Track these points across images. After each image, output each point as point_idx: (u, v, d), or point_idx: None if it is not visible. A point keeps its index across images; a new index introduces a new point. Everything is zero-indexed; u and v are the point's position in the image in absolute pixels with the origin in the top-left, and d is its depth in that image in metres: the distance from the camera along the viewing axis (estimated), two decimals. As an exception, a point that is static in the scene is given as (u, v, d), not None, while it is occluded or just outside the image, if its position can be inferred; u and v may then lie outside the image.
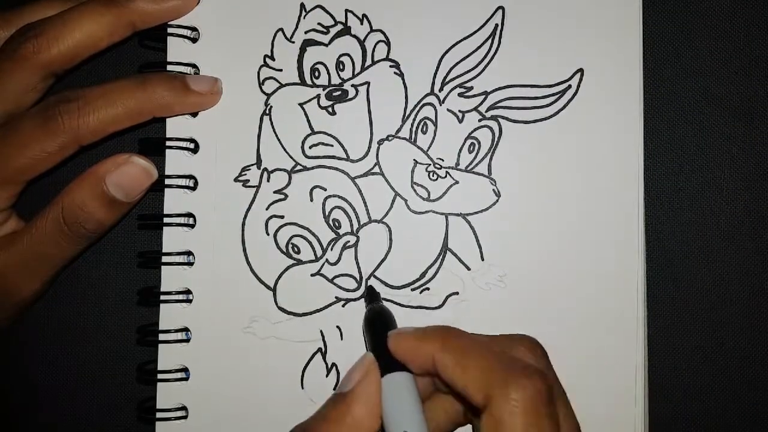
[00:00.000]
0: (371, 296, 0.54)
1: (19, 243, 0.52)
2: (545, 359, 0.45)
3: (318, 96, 0.55)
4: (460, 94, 0.55)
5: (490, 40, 0.55)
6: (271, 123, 0.55)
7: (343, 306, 0.55)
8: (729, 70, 0.57)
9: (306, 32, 0.55)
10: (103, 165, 0.52)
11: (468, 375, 0.41)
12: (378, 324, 0.49)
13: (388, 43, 0.55)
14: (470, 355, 0.42)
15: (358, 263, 0.55)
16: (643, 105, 0.54)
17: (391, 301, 0.54)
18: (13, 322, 0.55)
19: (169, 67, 0.55)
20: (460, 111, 0.55)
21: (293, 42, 0.55)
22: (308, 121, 0.55)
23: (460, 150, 0.55)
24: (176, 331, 0.54)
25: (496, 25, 0.55)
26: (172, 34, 0.55)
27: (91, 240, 0.54)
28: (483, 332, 0.50)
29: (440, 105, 0.55)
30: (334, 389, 0.54)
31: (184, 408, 0.54)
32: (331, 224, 0.55)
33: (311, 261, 0.55)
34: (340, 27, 0.55)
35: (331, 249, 0.55)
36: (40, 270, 0.53)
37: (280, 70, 0.55)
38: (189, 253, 0.55)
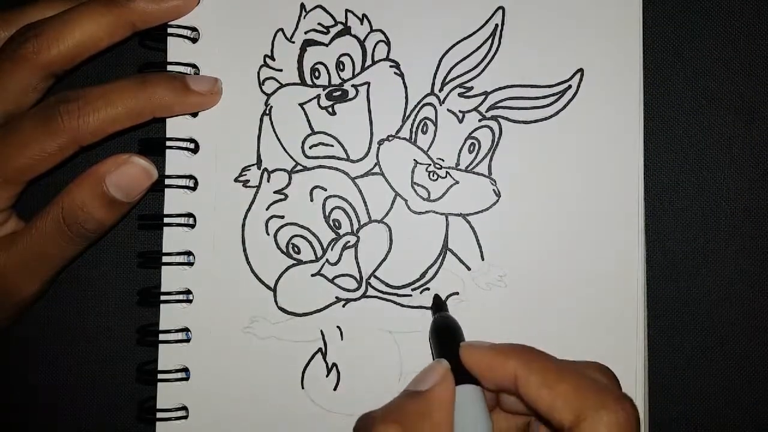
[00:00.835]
0: (437, 305, 0.54)
1: (19, 243, 0.52)
2: (620, 387, 0.46)
3: (318, 96, 0.55)
4: (461, 94, 0.55)
5: (490, 40, 0.55)
6: (272, 123, 0.55)
7: (344, 306, 0.55)
8: (729, 70, 0.57)
9: (306, 32, 0.55)
10: (103, 165, 0.51)
11: (556, 395, 0.42)
12: (447, 334, 0.50)
13: (388, 43, 0.55)
14: (558, 376, 0.43)
15: (358, 263, 0.55)
16: (643, 105, 0.54)
17: (391, 302, 0.54)
18: (13, 323, 0.55)
19: (169, 68, 0.55)
20: (460, 111, 0.55)
21: (293, 42, 0.55)
22: (308, 121, 0.55)
23: (461, 150, 0.55)
24: (176, 331, 0.54)
25: (497, 25, 0.55)
26: (172, 35, 0.55)
27: (91, 240, 0.53)
28: (483, 332, 0.51)
29: (440, 105, 0.55)
30: (334, 389, 0.54)
31: (184, 408, 0.54)
32: (332, 224, 0.55)
33: (311, 261, 0.55)
34: (340, 27, 0.55)
35: (332, 249, 0.55)
36: (40, 270, 0.53)
37: (281, 70, 0.55)
38: (189, 253, 0.55)
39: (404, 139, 0.55)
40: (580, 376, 0.43)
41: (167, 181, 0.55)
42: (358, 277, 0.54)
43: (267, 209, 0.55)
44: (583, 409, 0.41)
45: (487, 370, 0.45)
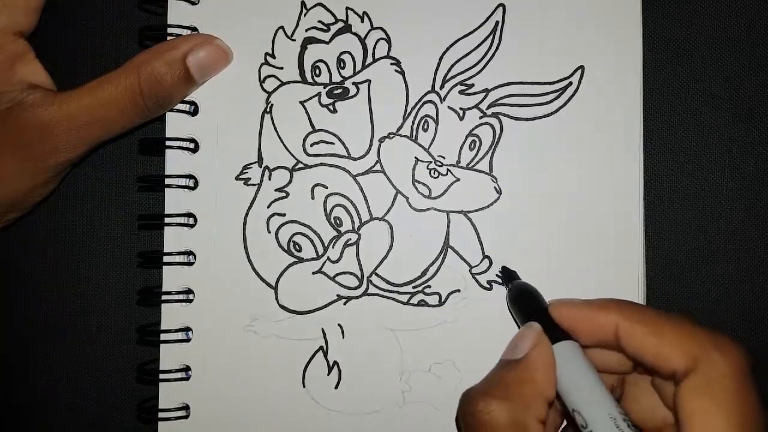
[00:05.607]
0: (508, 275, 0.54)
1: (79, 102, 0.51)
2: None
3: (319, 94, 0.55)
4: (461, 92, 0.55)
5: (490, 38, 0.55)
6: (272, 121, 0.55)
7: (345, 304, 0.55)
8: (729, 70, 0.57)
9: (307, 30, 0.55)
10: (185, 43, 0.52)
11: (665, 342, 0.42)
12: (529, 298, 0.50)
13: (388, 41, 0.55)
14: (664, 322, 0.43)
15: (359, 261, 0.54)
16: (643, 104, 0.55)
17: (393, 299, 0.54)
18: (24, 212, 0.56)
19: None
20: (461, 108, 0.55)
21: (294, 40, 0.55)
22: (309, 119, 0.55)
23: (461, 147, 0.55)
24: (177, 330, 0.54)
25: (497, 22, 0.55)
26: (171, 34, 0.55)
27: (151, 117, 0.54)
28: (484, 329, 0.51)
29: (441, 102, 0.55)
30: (336, 388, 0.54)
31: (185, 407, 0.54)
32: (333, 222, 0.55)
33: (312, 259, 0.55)
34: (340, 25, 0.55)
35: (333, 247, 0.55)
36: (88, 135, 0.52)
37: (281, 68, 0.55)
38: (190, 253, 0.55)
39: (405, 136, 0.55)
40: (684, 322, 0.43)
41: (167, 181, 0.55)
42: (359, 275, 0.54)
43: (268, 207, 0.55)
44: (696, 352, 0.41)
45: (585, 324, 0.45)
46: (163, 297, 0.55)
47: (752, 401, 0.40)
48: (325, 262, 0.55)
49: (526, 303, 0.50)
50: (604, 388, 0.43)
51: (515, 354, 0.45)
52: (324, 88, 0.55)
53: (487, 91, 0.55)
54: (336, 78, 0.55)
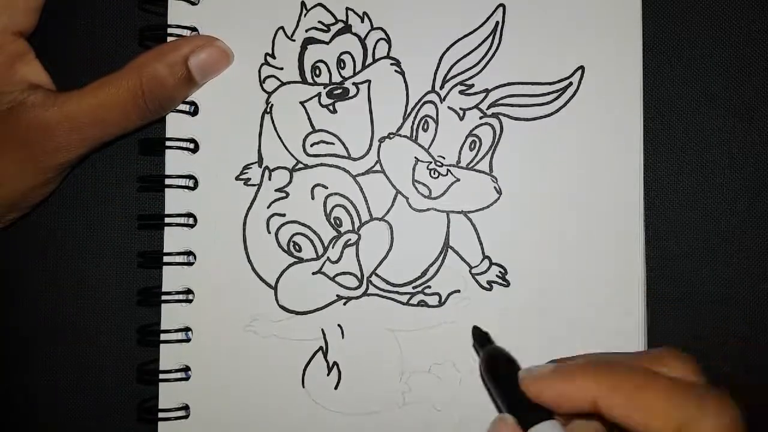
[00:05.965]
0: (481, 338, 0.50)
1: (79, 103, 0.51)
2: (703, 372, 0.43)
3: (319, 94, 0.55)
4: (461, 92, 0.55)
5: (490, 38, 0.55)
6: (272, 121, 0.55)
7: (345, 304, 0.55)
8: (729, 70, 0.57)
9: (307, 30, 0.55)
10: (186, 45, 0.53)
11: (650, 414, 0.39)
12: (501, 368, 0.46)
13: (388, 41, 0.55)
14: (645, 389, 0.40)
15: (359, 261, 0.54)
16: (643, 104, 0.55)
17: (392, 300, 0.54)
18: (25, 212, 0.56)
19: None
20: (461, 108, 0.55)
21: (294, 40, 0.55)
22: (309, 119, 0.55)
23: (461, 147, 0.55)
24: (177, 330, 0.54)
25: (497, 22, 0.55)
26: (171, 34, 0.55)
27: (153, 119, 0.54)
28: (484, 330, 0.50)
29: (441, 103, 0.55)
30: (335, 388, 0.54)
31: (185, 407, 0.54)
32: (333, 222, 0.55)
33: (312, 259, 0.55)
34: (340, 25, 0.55)
35: (333, 247, 0.55)
36: (89, 136, 0.52)
37: (281, 69, 0.55)
38: (190, 253, 0.55)
39: (405, 136, 0.55)
40: (667, 384, 0.40)
41: (167, 181, 0.55)
42: (359, 275, 0.54)
43: (268, 207, 0.55)
44: (684, 421, 0.39)
45: (560, 400, 0.42)
46: (163, 297, 0.55)
47: None
48: (324, 262, 0.55)
49: (499, 374, 0.46)
50: None
51: None
52: (324, 88, 0.55)
53: (487, 91, 0.55)
54: (336, 78, 0.55)
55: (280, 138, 0.55)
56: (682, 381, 0.41)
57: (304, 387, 0.54)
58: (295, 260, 0.55)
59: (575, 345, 0.53)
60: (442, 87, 0.55)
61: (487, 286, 0.54)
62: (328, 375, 0.54)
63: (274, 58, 0.55)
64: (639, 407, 0.40)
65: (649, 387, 0.40)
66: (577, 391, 0.41)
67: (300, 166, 0.55)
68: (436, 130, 0.55)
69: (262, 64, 0.55)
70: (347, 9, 0.55)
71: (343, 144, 0.55)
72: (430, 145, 0.55)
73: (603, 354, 0.45)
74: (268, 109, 0.55)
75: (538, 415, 0.42)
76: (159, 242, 0.55)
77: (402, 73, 0.55)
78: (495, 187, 0.54)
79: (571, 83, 0.54)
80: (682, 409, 0.39)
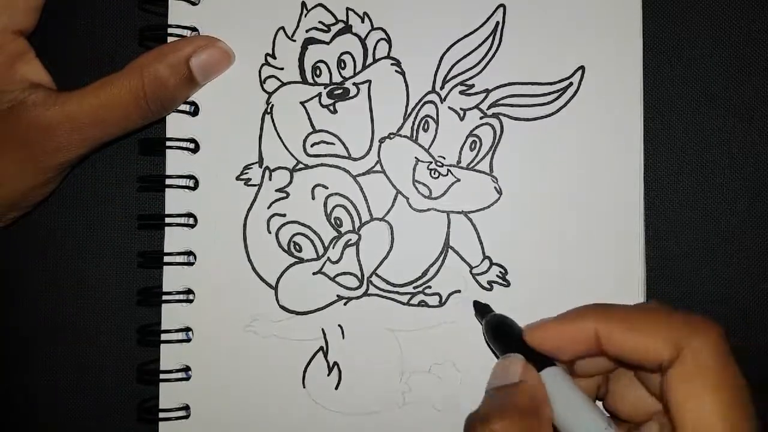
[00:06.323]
0: (481, 309, 0.53)
1: (80, 103, 0.51)
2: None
3: (319, 94, 0.55)
4: (462, 92, 0.55)
5: (491, 38, 0.55)
6: (273, 121, 0.55)
7: (345, 304, 0.55)
8: (729, 70, 0.57)
9: (307, 30, 0.55)
10: (188, 45, 0.53)
11: (646, 335, 0.42)
12: (504, 330, 0.49)
13: (389, 41, 0.55)
14: (640, 317, 0.43)
15: (359, 261, 0.54)
16: (643, 104, 0.55)
17: (393, 300, 0.54)
18: (26, 211, 0.56)
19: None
20: (461, 109, 0.55)
21: (294, 40, 0.55)
22: (310, 119, 0.55)
23: (462, 148, 0.55)
24: (178, 330, 0.54)
25: (497, 22, 0.55)
26: (171, 34, 0.55)
27: (154, 119, 0.54)
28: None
29: (441, 103, 0.55)
30: (336, 388, 0.54)
31: (186, 407, 0.54)
32: (333, 222, 0.55)
33: (313, 259, 0.55)
34: (341, 25, 0.55)
35: (333, 247, 0.55)
36: (90, 136, 0.52)
37: (282, 69, 0.55)
38: (190, 253, 0.55)
39: (405, 137, 0.55)
40: (657, 312, 0.44)
41: (167, 181, 0.55)
42: (359, 276, 0.54)
43: (268, 208, 0.55)
44: (677, 340, 0.41)
45: (561, 343, 0.45)
46: (163, 297, 0.55)
47: (737, 376, 0.41)
48: (325, 262, 0.55)
49: (503, 335, 0.49)
50: (593, 407, 0.43)
51: (508, 379, 0.45)
52: (324, 88, 0.55)
53: (487, 91, 0.55)
54: (336, 78, 0.55)
55: (280, 138, 0.55)
56: (669, 308, 0.44)
57: (304, 387, 0.54)
58: (296, 260, 0.55)
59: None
60: (442, 87, 0.55)
61: (488, 287, 0.54)
62: (328, 375, 0.54)
63: (274, 58, 0.55)
64: (637, 330, 0.43)
65: (643, 314, 0.44)
66: (577, 331, 0.44)
67: (300, 166, 0.55)
68: (436, 130, 0.55)
69: (263, 65, 0.55)
70: (348, 9, 0.55)
71: (344, 144, 0.55)
72: (431, 145, 0.55)
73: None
74: (269, 110, 0.55)
75: (543, 365, 0.45)
76: (159, 242, 0.55)
77: (402, 74, 0.55)
78: (495, 187, 0.54)
79: (571, 83, 0.54)
80: (674, 329, 0.42)
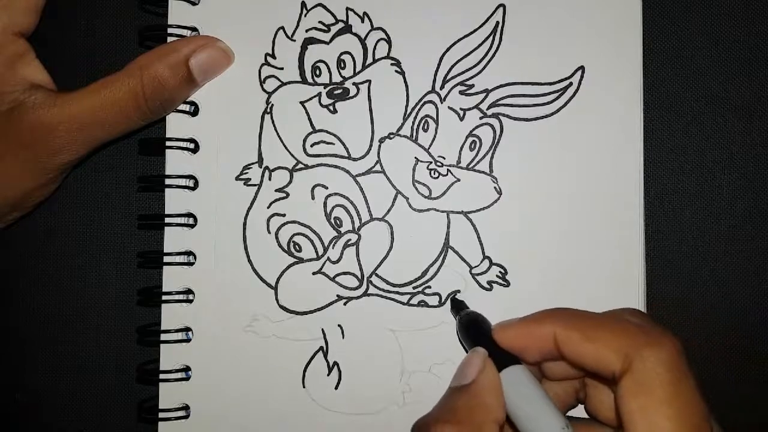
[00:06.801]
0: (457, 305, 0.54)
1: (80, 104, 0.51)
2: (656, 324, 0.45)
3: (319, 94, 0.55)
4: (461, 92, 0.55)
5: (491, 38, 0.55)
6: (273, 121, 0.55)
7: (345, 304, 0.55)
8: (729, 70, 0.57)
9: (307, 30, 0.55)
10: (186, 45, 0.53)
11: (600, 344, 0.42)
12: (475, 326, 0.50)
13: (389, 41, 0.55)
14: (596, 326, 0.43)
15: (359, 261, 0.54)
16: (643, 104, 0.55)
17: (393, 300, 0.54)
18: (25, 212, 0.56)
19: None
20: (461, 109, 0.55)
21: (294, 40, 0.55)
22: (309, 119, 0.55)
23: (462, 148, 0.55)
24: (177, 330, 0.54)
25: (497, 23, 0.55)
26: (171, 34, 0.55)
27: (153, 119, 0.54)
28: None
29: (441, 103, 0.55)
30: (336, 388, 0.54)
31: (185, 407, 0.54)
32: (333, 222, 0.55)
33: (313, 259, 0.55)
34: (341, 25, 0.55)
35: (333, 247, 0.55)
36: (90, 136, 0.52)
37: (281, 69, 0.55)
38: (190, 253, 0.55)
39: (405, 137, 0.55)
40: (616, 321, 0.43)
41: (167, 181, 0.55)
42: (359, 276, 0.54)
43: (268, 207, 0.55)
44: (631, 349, 0.41)
45: (525, 342, 0.45)
46: (163, 297, 0.55)
47: (690, 390, 0.40)
48: (325, 262, 0.55)
49: (473, 331, 0.50)
50: (551, 407, 0.43)
51: (463, 380, 0.45)
52: (324, 88, 0.55)
53: (487, 91, 0.55)
54: (336, 78, 0.55)
55: (280, 138, 0.55)
56: (632, 322, 0.43)
57: (304, 387, 0.54)
58: (296, 260, 0.55)
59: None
60: (442, 87, 0.55)
61: (488, 287, 0.54)
62: (328, 375, 0.54)
63: (274, 58, 0.55)
64: (590, 339, 0.42)
65: (600, 324, 0.43)
66: (539, 333, 0.45)
67: (300, 166, 0.55)
68: (436, 130, 0.55)
69: (263, 64, 0.55)
70: (347, 9, 0.55)
71: (344, 144, 0.55)
72: (431, 145, 0.55)
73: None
74: (269, 109, 0.55)
75: (510, 361, 0.46)
76: (159, 242, 0.55)
77: (402, 73, 0.55)
78: (495, 187, 0.54)
79: (571, 83, 0.54)
80: (627, 341, 0.41)
